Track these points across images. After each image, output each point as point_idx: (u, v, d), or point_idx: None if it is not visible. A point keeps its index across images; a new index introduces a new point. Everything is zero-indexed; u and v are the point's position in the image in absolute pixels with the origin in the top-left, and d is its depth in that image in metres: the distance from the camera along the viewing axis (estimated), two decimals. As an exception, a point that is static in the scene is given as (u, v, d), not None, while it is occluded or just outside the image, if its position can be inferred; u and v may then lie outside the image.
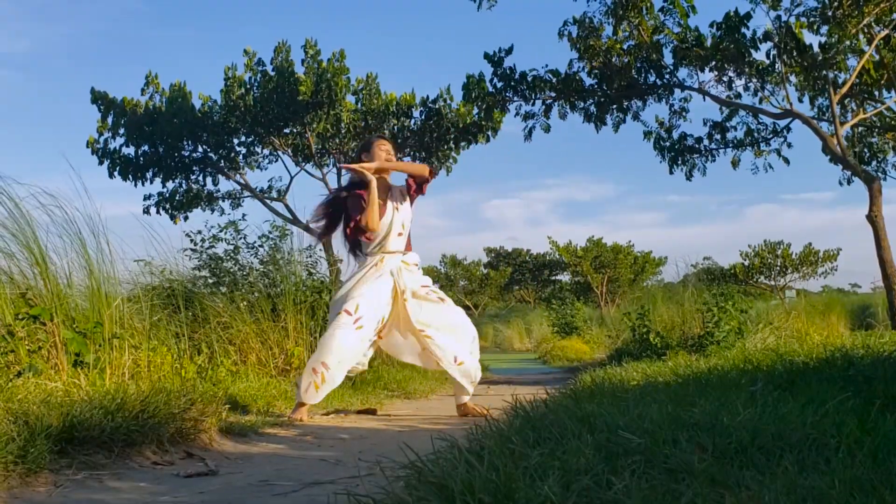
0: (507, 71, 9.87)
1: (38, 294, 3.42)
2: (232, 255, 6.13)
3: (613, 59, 9.34)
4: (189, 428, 2.77)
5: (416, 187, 4.27)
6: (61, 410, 2.38)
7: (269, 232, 6.24)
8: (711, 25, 9.04)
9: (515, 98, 10.02)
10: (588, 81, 9.81)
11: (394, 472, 1.66)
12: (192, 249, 6.01)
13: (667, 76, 9.64)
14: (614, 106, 10.00)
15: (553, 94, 9.90)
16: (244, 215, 6.43)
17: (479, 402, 4.40)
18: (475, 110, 11.97)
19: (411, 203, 4.30)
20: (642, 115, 10.21)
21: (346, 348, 3.92)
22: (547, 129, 10.18)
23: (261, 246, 6.25)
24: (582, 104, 10.01)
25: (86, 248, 3.69)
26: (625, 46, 9.42)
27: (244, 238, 6.20)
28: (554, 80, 9.73)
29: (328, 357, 3.88)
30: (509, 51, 9.89)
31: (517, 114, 10.18)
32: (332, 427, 3.70)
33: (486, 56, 9.89)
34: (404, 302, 4.06)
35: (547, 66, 9.94)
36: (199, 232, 6.16)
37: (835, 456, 1.58)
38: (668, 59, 9.47)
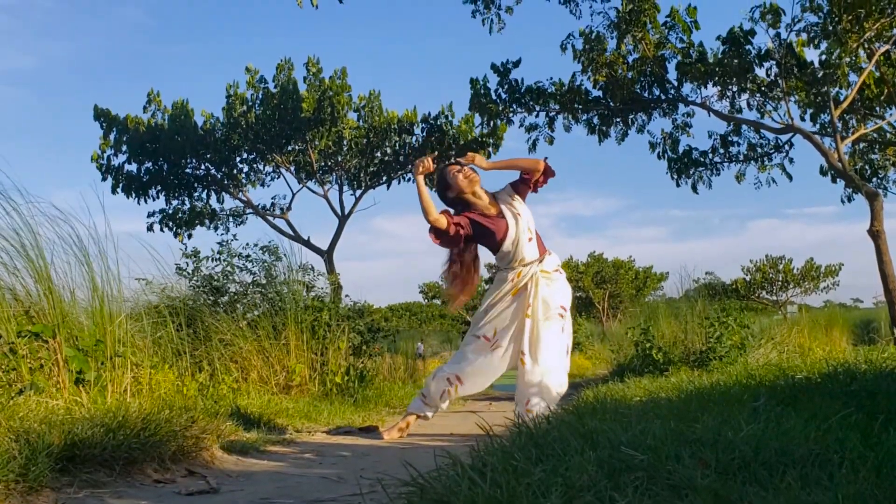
0: (513, 83, 9.94)
1: (42, 311, 3.42)
2: (228, 274, 6.07)
3: (617, 72, 9.40)
4: (190, 445, 2.77)
5: (530, 184, 3.96)
6: (62, 428, 2.37)
7: (262, 252, 6.15)
8: (718, 38, 9.11)
9: (520, 110, 10.08)
10: (593, 93, 9.88)
11: (396, 490, 1.65)
12: (178, 272, 5.90)
13: (671, 91, 9.69)
14: (618, 119, 10.05)
15: (556, 108, 9.96)
16: (235, 236, 6.31)
17: (480, 419, 4.37)
18: (478, 120, 12.02)
19: (523, 199, 4.00)
20: (647, 127, 10.28)
21: (481, 368, 3.86)
22: (551, 142, 10.26)
23: (253, 265, 6.18)
24: (585, 115, 10.07)
25: (91, 265, 3.69)
26: (629, 60, 9.48)
27: (238, 257, 6.13)
28: (557, 91, 9.79)
29: (462, 371, 3.85)
30: (517, 63, 10.00)
31: (521, 125, 10.27)
32: (334, 444, 3.69)
33: (494, 67, 9.98)
34: (525, 318, 3.80)
35: (551, 78, 10.05)
36: (195, 254, 6.06)
37: (838, 471, 1.58)
38: (672, 73, 9.54)
